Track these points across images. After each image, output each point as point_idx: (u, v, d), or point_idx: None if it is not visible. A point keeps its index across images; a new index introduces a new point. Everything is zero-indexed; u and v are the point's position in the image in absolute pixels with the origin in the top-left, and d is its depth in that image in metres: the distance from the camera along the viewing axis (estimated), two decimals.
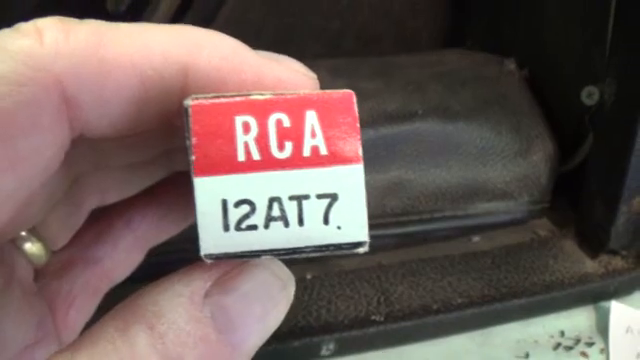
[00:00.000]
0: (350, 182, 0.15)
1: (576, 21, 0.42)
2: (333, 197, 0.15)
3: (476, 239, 0.40)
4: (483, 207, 0.40)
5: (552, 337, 0.37)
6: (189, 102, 0.15)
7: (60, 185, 0.20)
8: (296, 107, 0.15)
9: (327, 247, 0.15)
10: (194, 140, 0.15)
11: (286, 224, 0.15)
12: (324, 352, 0.33)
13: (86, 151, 0.20)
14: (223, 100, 0.15)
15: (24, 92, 0.15)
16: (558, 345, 0.37)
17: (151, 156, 0.22)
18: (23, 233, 0.22)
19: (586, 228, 0.41)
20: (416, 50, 0.48)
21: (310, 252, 0.15)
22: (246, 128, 0.15)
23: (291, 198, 0.15)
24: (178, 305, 0.15)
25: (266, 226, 0.15)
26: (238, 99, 0.15)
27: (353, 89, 0.39)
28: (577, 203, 0.41)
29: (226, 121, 0.15)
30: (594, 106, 0.40)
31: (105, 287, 0.23)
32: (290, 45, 0.42)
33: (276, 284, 0.17)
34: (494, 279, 0.37)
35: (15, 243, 0.21)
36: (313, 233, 0.15)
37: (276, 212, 0.15)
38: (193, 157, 0.15)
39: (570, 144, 0.42)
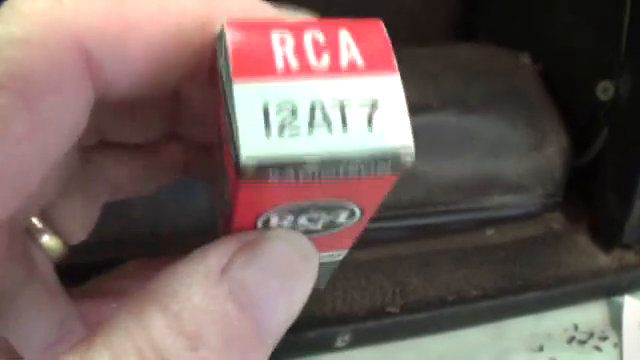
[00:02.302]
0: (390, 90, 0.15)
1: (590, 16, 0.42)
2: (374, 104, 0.15)
3: (490, 232, 0.40)
4: (497, 200, 0.40)
5: (566, 331, 0.37)
6: (224, 21, 0.14)
7: (69, 159, 0.20)
8: (329, 26, 0.15)
9: (372, 152, 0.14)
10: (231, 48, 0.14)
11: (329, 129, 0.14)
12: (339, 343, 0.33)
13: (92, 123, 0.20)
14: (258, 20, 0.15)
15: (46, 54, 0.14)
16: (572, 339, 0.37)
17: (160, 134, 0.22)
18: (40, 225, 0.21)
19: (600, 222, 0.41)
20: (429, 43, 0.48)
21: (356, 159, 0.14)
22: (282, 41, 0.15)
23: (333, 105, 0.14)
24: (192, 283, 0.15)
25: (309, 132, 0.14)
26: (273, 20, 0.15)
27: None
28: (591, 197, 0.41)
29: (262, 35, 0.15)
30: (609, 101, 0.40)
31: None
32: None
33: (296, 256, 0.16)
34: (508, 272, 0.37)
35: (33, 237, 0.21)
36: (357, 138, 0.14)
37: (319, 117, 0.14)
38: (231, 64, 0.14)
39: (584, 138, 0.42)
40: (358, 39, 0.15)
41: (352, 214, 0.17)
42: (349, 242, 0.19)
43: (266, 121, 0.14)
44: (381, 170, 0.15)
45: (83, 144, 0.21)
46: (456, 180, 0.38)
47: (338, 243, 0.19)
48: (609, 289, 0.39)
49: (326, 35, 0.15)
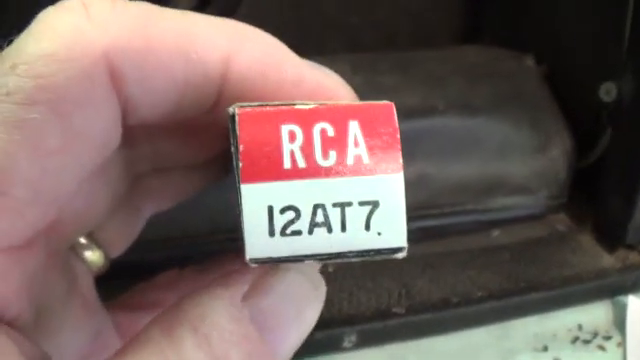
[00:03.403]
0: (391, 190, 0.16)
1: (593, 17, 0.43)
2: (374, 204, 0.15)
3: (495, 233, 0.41)
4: (502, 202, 0.40)
5: (570, 331, 0.38)
6: (235, 110, 0.15)
7: (120, 186, 0.21)
8: (340, 117, 0.16)
9: (368, 252, 0.16)
10: (241, 147, 0.15)
11: (329, 230, 0.15)
12: (346, 344, 0.34)
13: (144, 152, 0.21)
14: (269, 109, 0.15)
15: (75, 67, 0.15)
16: (576, 339, 0.37)
17: (206, 158, 0.22)
18: (83, 241, 0.22)
19: (603, 223, 0.41)
20: (434, 46, 0.48)
21: (352, 257, 0.16)
22: (292, 136, 0.15)
23: (335, 205, 0.15)
24: (219, 307, 0.16)
25: (310, 232, 0.15)
26: (283, 108, 0.15)
27: (373, 84, 0.40)
28: (595, 198, 0.42)
29: (272, 129, 0.15)
30: (612, 102, 0.40)
31: None
32: (309, 40, 0.42)
33: (308, 286, 0.17)
34: (513, 273, 0.38)
35: (75, 250, 0.22)
36: (355, 239, 0.15)
37: (320, 218, 0.15)
38: (240, 164, 0.15)
39: (588, 140, 0.42)
40: (367, 132, 0.16)
41: None
42: None
43: (270, 223, 0.15)
44: (374, 259, 0.16)
45: (136, 171, 0.21)
46: (461, 182, 0.39)
47: None
48: (613, 289, 0.39)
49: (335, 128, 0.16)
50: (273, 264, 0.16)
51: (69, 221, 0.19)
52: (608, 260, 0.40)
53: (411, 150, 0.37)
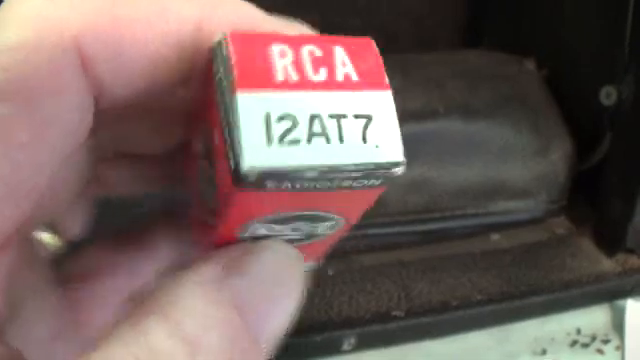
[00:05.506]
0: (382, 106, 0.15)
1: (594, 21, 0.43)
2: (369, 118, 0.15)
3: (496, 237, 0.41)
4: (503, 205, 0.40)
5: (569, 334, 0.38)
6: (224, 34, 0.15)
7: (86, 171, 0.20)
8: (325, 43, 0.16)
9: (367, 166, 0.15)
10: (234, 59, 0.15)
11: (327, 140, 0.15)
12: (345, 347, 0.34)
13: (105, 139, 0.20)
14: (257, 33, 0.15)
15: (42, 57, 0.14)
16: (575, 342, 0.37)
17: (167, 147, 0.22)
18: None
19: (603, 227, 0.41)
20: (435, 49, 0.48)
21: (352, 171, 0.15)
22: (282, 54, 0.15)
23: (331, 116, 0.15)
24: (193, 291, 0.15)
25: (309, 140, 0.15)
26: (271, 34, 0.15)
27: None
28: (595, 202, 0.42)
29: (263, 47, 0.15)
30: (612, 106, 0.40)
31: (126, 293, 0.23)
32: None
33: (286, 265, 0.16)
34: (513, 277, 0.38)
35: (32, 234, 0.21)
36: (353, 150, 0.15)
37: (317, 128, 0.15)
38: (235, 74, 0.15)
39: (588, 143, 0.42)
40: (352, 56, 0.16)
41: (334, 225, 0.17)
42: (321, 254, 0.20)
43: (267, 130, 0.15)
44: (371, 183, 0.16)
45: (97, 157, 0.21)
46: (462, 185, 0.39)
47: (312, 254, 0.19)
48: (612, 293, 0.40)
49: (322, 50, 0.15)
50: (274, 180, 0.15)
51: (36, 210, 0.19)
52: (608, 264, 0.40)
53: (412, 153, 0.37)
